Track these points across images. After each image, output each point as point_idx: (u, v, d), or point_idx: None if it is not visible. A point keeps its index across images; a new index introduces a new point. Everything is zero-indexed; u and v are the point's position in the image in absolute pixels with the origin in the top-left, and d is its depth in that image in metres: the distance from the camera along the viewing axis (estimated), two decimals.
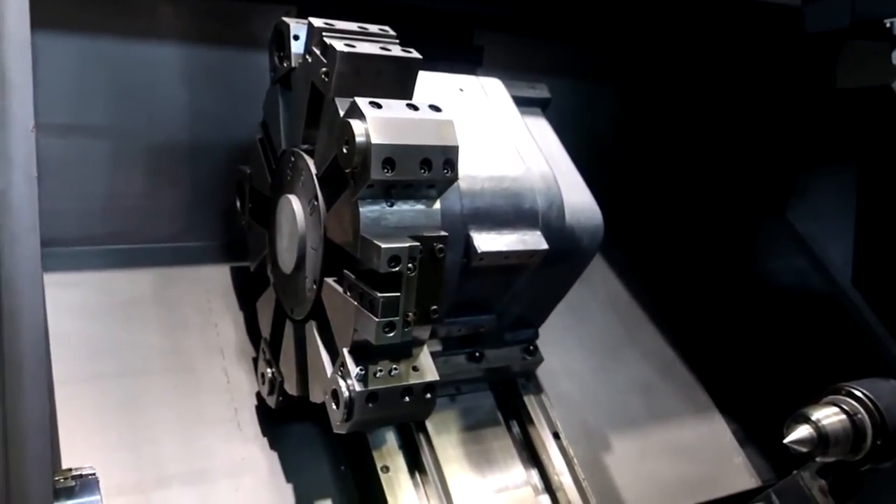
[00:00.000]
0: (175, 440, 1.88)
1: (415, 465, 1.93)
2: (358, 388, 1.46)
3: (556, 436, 2.07)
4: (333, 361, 1.56)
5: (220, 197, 2.22)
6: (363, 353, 1.49)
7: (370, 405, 1.47)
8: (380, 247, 1.39)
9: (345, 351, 1.50)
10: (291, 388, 1.77)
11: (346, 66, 1.50)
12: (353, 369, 1.47)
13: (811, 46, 2.37)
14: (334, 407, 1.51)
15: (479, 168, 1.77)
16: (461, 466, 1.95)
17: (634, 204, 2.94)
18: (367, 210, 1.46)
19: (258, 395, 2.00)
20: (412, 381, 1.52)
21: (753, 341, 2.65)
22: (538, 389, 2.15)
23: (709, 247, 2.80)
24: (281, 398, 1.84)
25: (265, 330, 1.92)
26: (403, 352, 1.52)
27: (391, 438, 1.92)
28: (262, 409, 2.00)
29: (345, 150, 1.43)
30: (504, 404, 2.12)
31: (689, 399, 2.67)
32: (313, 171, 1.63)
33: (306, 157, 1.67)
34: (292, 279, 1.72)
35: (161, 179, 2.18)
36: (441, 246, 1.46)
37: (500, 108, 2.00)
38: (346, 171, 1.45)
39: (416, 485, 1.90)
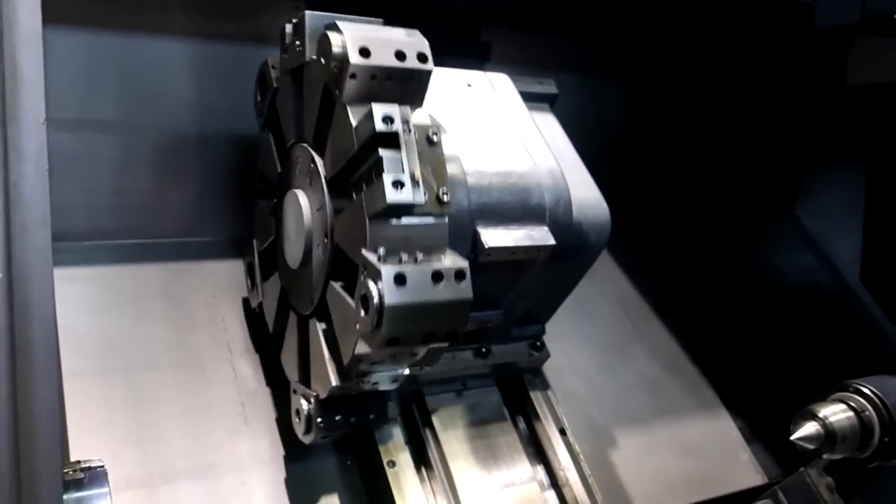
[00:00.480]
0: (182, 434, 1.88)
1: (421, 461, 1.93)
2: (385, 269, 1.39)
3: (563, 432, 2.07)
4: None
5: (227, 192, 2.23)
6: (384, 243, 1.45)
7: (400, 289, 1.40)
8: (371, 108, 1.44)
9: (363, 251, 1.45)
10: (328, 383, 1.63)
11: (314, 22, 1.62)
12: (374, 255, 1.42)
13: (821, 42, 2.36)
14: (363, 314, 1.43)
15: (486, 163, 1.77)
16: (467, 462, 1.96)
17: (642, 200, 2.93)
18: (356, 109, 1.50)
19: (265, 388, 2.01)
20: (440, 266, 1.47)
21: (760, 338, 2.64)
22: (544, 385, 2.15)
23: (716, 243, 2.79)
24: (320, 421, 1.70)
25: (293, 374, 1.83)
26: (423, 236, 1.49)
27: (397, 433, 1.93)
28: (268, 404, 2.00)
29: (322, 61, 1.53)
30: (510, 400, 2.13)
31: (696, 396, 2.67)
32: (308, 140, 1.70)
33: (299, 144, 1.72)
34: (300, 273, 1.73)
35: (169, 175, 2.19)
36: (434, 130, 1.50)
37: (507, 103, 1.99)
38: (330, 83, 1.53)
39: (422, 480, 1.90)
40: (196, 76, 2.18)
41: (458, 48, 2.40)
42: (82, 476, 1.15)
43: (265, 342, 2.04)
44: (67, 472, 1.14)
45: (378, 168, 1.43)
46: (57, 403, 1.03)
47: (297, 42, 1.68)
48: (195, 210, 2.23)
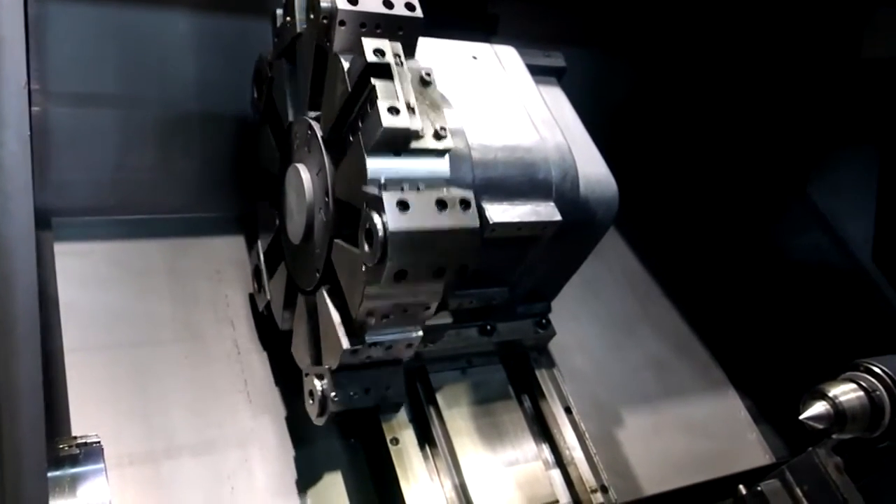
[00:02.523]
0: (185, 410, 1.88)
1: (425, 439, 1.92)
2: (387, 196, 1.37)
3: (568, 410, 2.05)
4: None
5: (231, 168, 2.21)
6: (384, 176, 1.43)
7: (403, 214, 1.37)
8: (361, 42, 1.44)
9: (363, 188, 1.43)
10: (339, 348, 1.57)
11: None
12: (375, 188, 1.40)
13: (836, 14, 2.31)
14: (367, 249, 1.41)
15: (492, 137, 1.74)
16: (472, 440, 1.95)
17: (650, 177, 2.89)
18: (348, 57, 1.50)
19: (268, 365, 2.01)
20: (444, 195, 1.44)
21: (770, 317, 2.62)
22: (550, 363, 2.13)
23: (726, 222, 2.76)
24: (335, 395, 1.64)
25: (305, 359, 1.79)
26: (423, 173, 1.47)
27: (401, 411, 1.91)
28: (271, 380, 2.00)
29: (311, 17, 1.57)
30: (516, 378, 2.11)
31: (704, 375, 2.65)
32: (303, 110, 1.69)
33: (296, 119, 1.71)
34: (304, 247, 1.71)
35: (172, 149, 2.17)
36: (427, 71, 1.49)
37: (514, 76, 1.96)
38: (321, 38, 1.55)
39: (426, 458, 1.89)
40: (199, 50, 2.16)
41: (466, 21, 2.36)
42: (78, 452, 1.14)
43: (274, 343, 2.03)
44: (63, 447, 1.13)
45: (372, 98, 1.42)
46: (40, 376, 1.01)
47: (288, 18, 1.69)
48: (198, 185, 2.22)
